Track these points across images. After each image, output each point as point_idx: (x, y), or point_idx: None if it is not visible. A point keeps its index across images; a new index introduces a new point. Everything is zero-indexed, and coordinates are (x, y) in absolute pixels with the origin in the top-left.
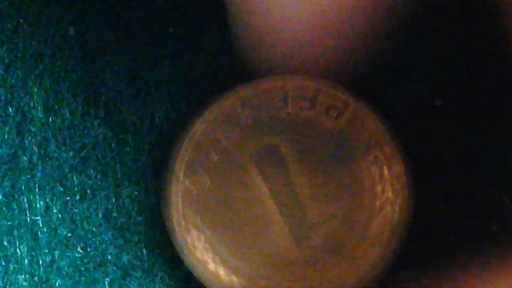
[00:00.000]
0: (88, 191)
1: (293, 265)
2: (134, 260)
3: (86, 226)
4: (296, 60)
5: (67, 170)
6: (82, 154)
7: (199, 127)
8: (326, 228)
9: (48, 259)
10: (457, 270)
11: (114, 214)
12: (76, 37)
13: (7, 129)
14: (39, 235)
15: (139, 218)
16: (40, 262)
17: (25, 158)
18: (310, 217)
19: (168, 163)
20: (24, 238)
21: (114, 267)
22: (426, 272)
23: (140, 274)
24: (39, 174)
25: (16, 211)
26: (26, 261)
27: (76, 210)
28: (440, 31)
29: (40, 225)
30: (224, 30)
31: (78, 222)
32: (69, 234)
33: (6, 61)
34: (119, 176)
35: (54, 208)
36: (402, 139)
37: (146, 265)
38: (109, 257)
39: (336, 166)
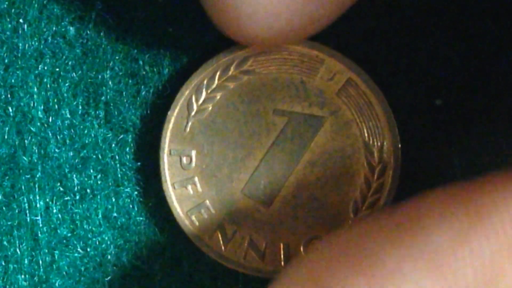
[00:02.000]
0: (88, 191)
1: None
2: (134, 260)
3: (86, 226)
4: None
5: (67, 170)
6: (82, 154)
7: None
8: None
9: (48, 259)
10: None
11: (114, 214)
12: (76, 37)
13: (7, 129)
14: (39, 235)
15: (139, 218)
16: (40, 262)
17: (25, 158)
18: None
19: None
20: (24, 238)
21: (114, 267)
22: None
23: (140, 274)
24: (39, 174)
25: (16, 211)
26: (26, 261)
27: (76, 210)
28: (440, 31)
29: (40, 225)
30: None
31: (78, 222)
32: (69, 234)
33: (6, 61)
34: (119, 176)
35: (54, 208)
36: (402, 139)
37: (146, 265)
38: (109, 257)
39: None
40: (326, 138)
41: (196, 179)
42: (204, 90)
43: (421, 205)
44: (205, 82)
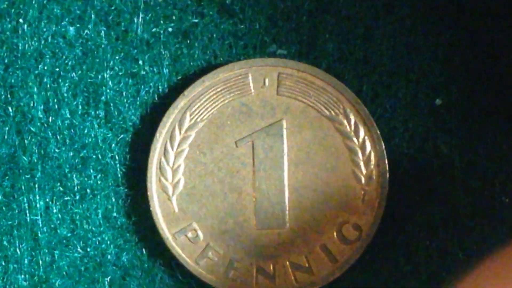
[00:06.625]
0: (88, 191)
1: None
2: (134, 260)
3: (86, 226)
4: None
5: (67, 170)
6: (82, 154)
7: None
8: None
9: (48, 259)
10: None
11: (114, 214)
12: (76, 37)
13: (7, 129)
14: (39, 235)
15: (139, 218)
16: (40, 262)
17: (25, 158)
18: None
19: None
20: (24, 238)
21: (114, 267)
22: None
23: (140, 274)
24: (39, 174)
25: (16, 211)
26: (26, 261)
27: (76, 210)
28: (440, 31)
29: (40, 225)
30: (224, 29)
31: (78, 222)
32: (69, 234)
33: (6, 61)
34: (119, 176)
35: (54, 208)
36: (402, 139)
37: (146, 265)
38: (109, 257)
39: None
40: (294, 136)
41: (211, 244)
42: (166, 165)
43: None
44: (162, 159)
